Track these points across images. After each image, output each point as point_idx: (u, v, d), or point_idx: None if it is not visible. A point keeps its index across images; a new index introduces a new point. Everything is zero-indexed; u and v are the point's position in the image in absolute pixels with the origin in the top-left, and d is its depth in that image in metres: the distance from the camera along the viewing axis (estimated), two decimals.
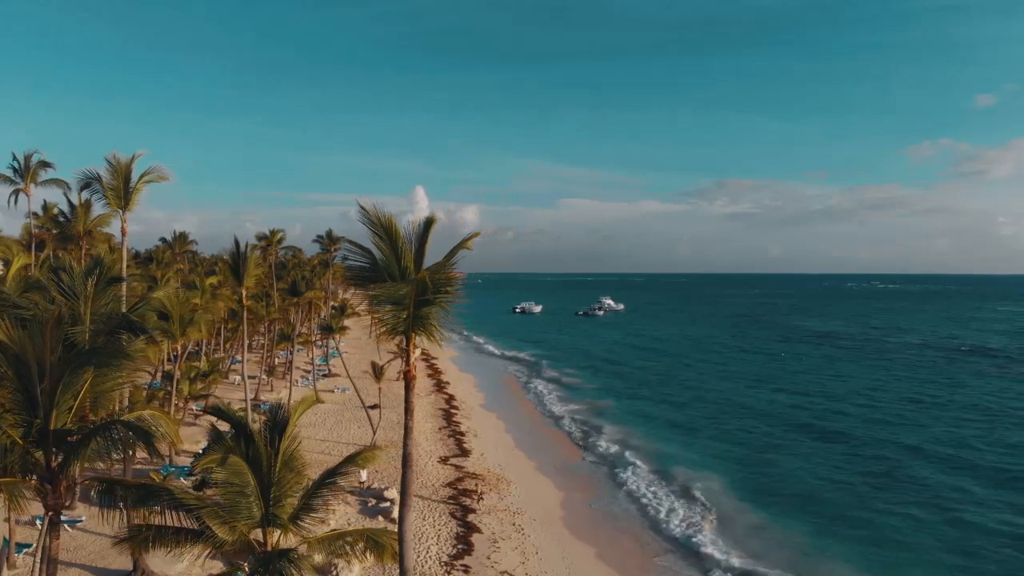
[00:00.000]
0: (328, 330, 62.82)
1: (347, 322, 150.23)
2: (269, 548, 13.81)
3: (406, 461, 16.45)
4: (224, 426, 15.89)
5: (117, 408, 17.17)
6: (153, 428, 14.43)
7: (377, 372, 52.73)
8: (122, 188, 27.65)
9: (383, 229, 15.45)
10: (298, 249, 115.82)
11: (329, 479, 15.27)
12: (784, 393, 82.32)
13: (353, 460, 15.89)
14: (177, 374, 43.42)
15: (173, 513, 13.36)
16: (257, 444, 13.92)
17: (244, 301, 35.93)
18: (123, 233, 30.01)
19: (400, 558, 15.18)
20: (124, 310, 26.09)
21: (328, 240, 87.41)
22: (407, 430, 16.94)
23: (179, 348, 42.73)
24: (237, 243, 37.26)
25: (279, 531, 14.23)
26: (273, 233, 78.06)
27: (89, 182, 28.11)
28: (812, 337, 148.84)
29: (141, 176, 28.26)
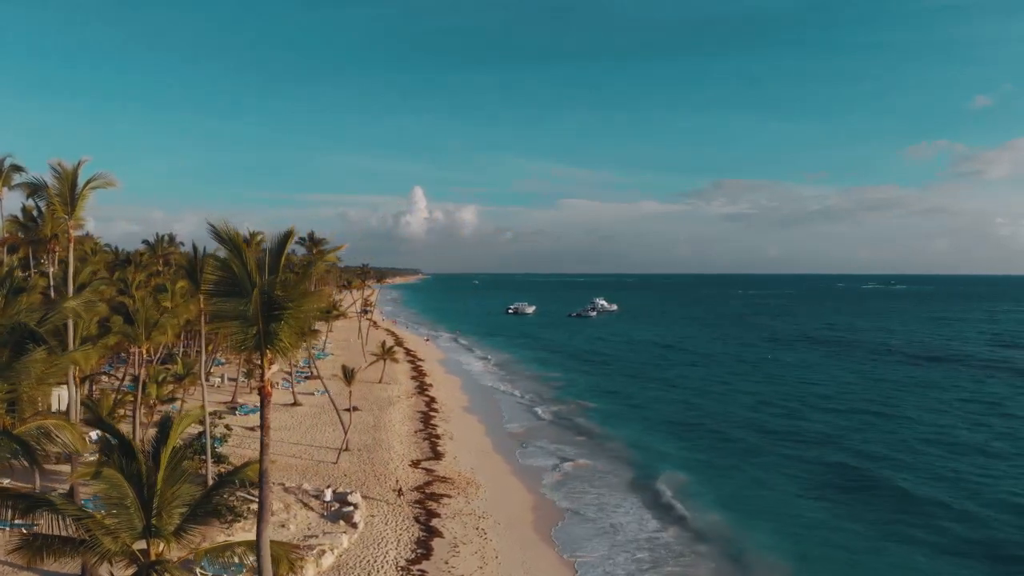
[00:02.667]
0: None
1: (338, 324, 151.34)
2: (153, 559, 13.81)
3: (262, 478, 15.98)
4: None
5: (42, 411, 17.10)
6: (56, 437, 14.46)
7: (347, 375, 52.57)
8: (68, 194, 27.62)
9: (230, 243, 15.37)
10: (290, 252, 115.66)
11: (215, 491, 15.24)
12: (754, 397, 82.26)
13: (239, 472, 15.86)
14: (144, 377, 43.35)
15: (60, 521, 13.34)
16: (137, 456, 13.92)
17: (202, 304, 35.85)
18: (69, 240, 29.96)
19: (258, 573, 15.13)
20: (70, 318, 26.11)
21: (310, 242, 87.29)
22: (263, 446, 16.46)
23: (145, 352, 42.63)
24: (195, 247, 37.34)
25: (163, 542, 14.20)
26: (253, 235, 77.83)
27: (36, 188, 28.14)
28: (793, 339, 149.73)
29: (87, 182, 28.25)
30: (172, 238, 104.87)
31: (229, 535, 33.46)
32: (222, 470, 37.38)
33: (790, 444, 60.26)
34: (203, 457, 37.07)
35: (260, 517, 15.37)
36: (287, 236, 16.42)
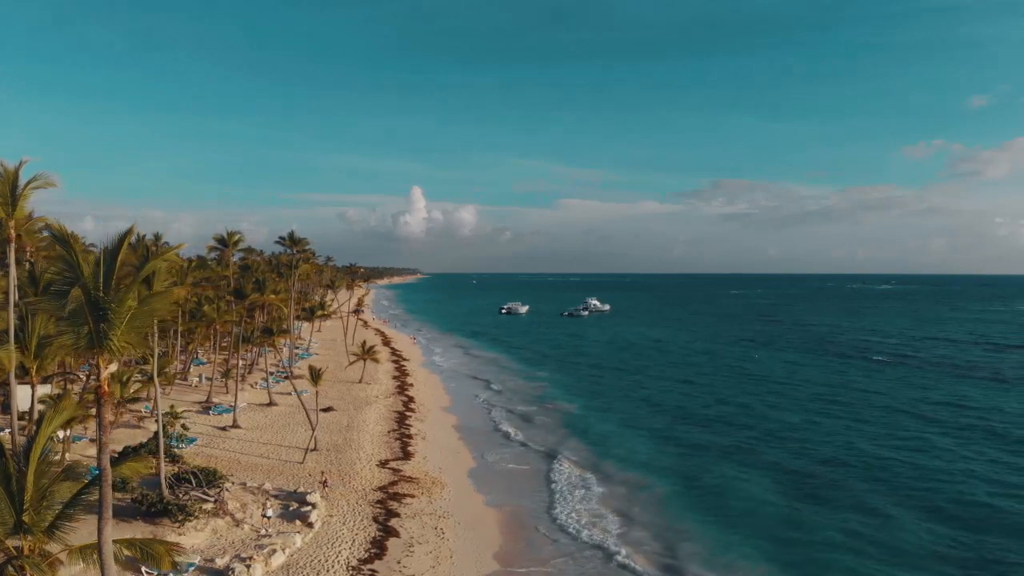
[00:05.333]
0: (269, 333, 62.54)
1: (328, 324, 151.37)
2: (26, 554, 13.89)
3: (102, 477, 15.70)
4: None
5: None
6: None
7: (314, 376, 52.55)
8: (8, 194, 27.69)
9: (63, 242, 15.38)
10: (260, 251, 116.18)
11: (85, 491, 15.30)
12: (716, 397, 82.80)
13: (115, 470, 15.88)
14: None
15: None
16: (4, 454, 13.99)
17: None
18: (9, 240, 29.98)
19: (101, 573, 15.16)
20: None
21: (290, 242, 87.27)
22: (101, 446, 16.22)
23: None
24: (147, 247, 37.37)
25: (34, 539, 14.25)
26: (230, 235, 78.15)
27: None
28: (773, 340, 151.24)
29: (28, 183, 28.35)
30: (158, 237, 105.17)
31: (181, 534, 33.61)
32: (177, 470, 37.45)
33: (740, 448, 59.42)
34: (156, 456, 37.05)
35: (100, 516, 15.22)
36: (125, 235, 16.44)
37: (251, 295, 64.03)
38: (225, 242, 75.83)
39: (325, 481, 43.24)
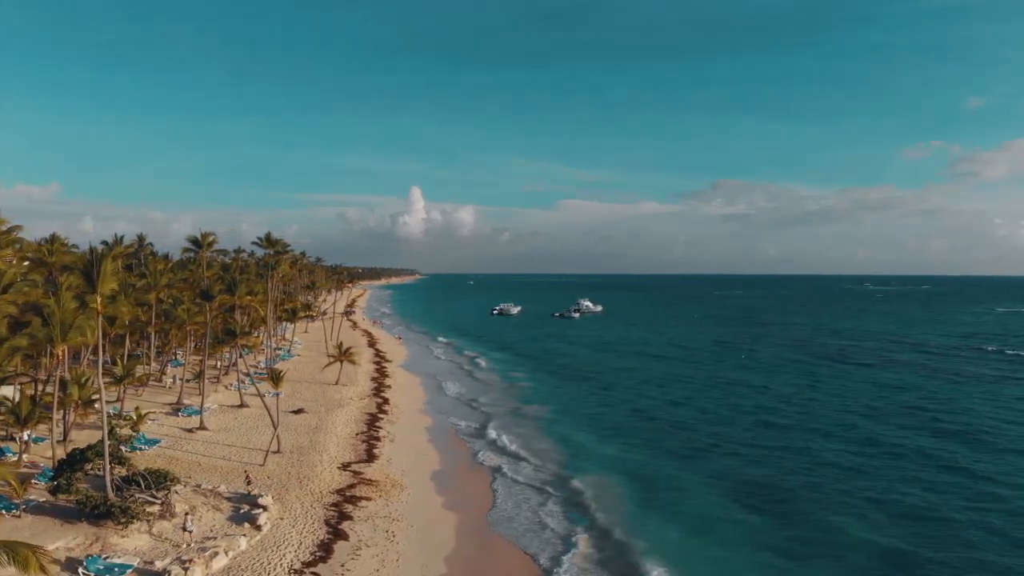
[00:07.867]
0: (231, 335, 62.50)
1: (315, 325, 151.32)
2: None
3: None
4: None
5: None
6: None
7: (274, 377, 52.58)
8: None
9: None
10: (251, 252, 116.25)
11: None
12: (696, 404, 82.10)
13: None
14: (66, 378, 43.42)
15: None
16: None
17: (99, 308, 35.76)
18: None
19: None
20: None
21: (267, 243, 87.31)
22: None
23: (60, 354, 42.51)
24: (92, 249, 37.35)
25: None
26: (204, 236, 78.27)
27: None
28: (756, 340, 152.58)
29: None
30: (141, 239, 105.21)
31: (124, 536, 33.67)
32: (127, 472, 37.47)
33: (701, 455, 58.99)
34: (101, 459, 37.02)
35: None
36: None
37: (219, 296, 63.92)
38: (199, 243, 75.92)
39: (248, 479, 43.17)
